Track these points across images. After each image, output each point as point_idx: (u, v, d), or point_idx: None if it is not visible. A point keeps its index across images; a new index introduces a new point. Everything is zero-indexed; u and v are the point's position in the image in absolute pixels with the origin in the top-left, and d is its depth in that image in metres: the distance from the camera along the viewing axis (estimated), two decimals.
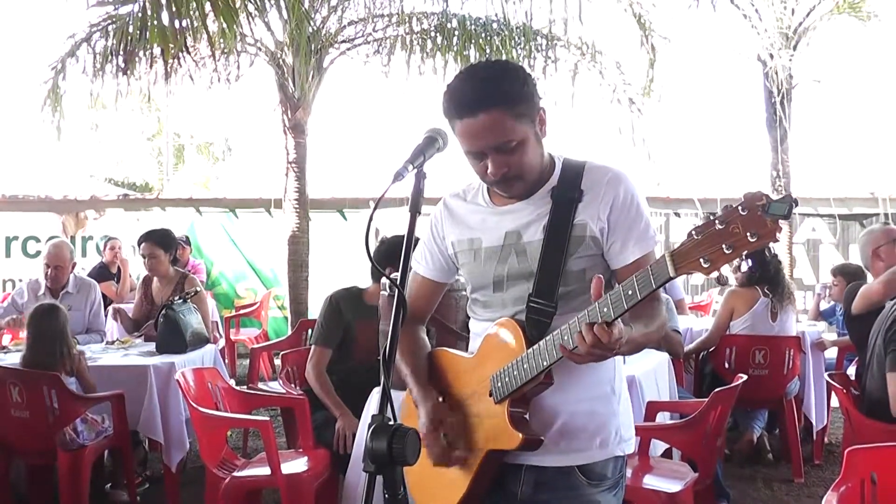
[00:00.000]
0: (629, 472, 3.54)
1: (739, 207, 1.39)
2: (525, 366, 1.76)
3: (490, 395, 1.84)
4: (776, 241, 1.39)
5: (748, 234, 1.38)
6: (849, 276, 5.64)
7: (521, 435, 1.78)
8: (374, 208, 1.68)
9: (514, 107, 1.77)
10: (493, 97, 1.76)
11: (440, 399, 1.95)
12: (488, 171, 1.82)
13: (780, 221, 1.36)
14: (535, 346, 1.74)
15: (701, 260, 1.43)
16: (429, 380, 1.99)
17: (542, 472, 1.88)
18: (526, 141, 1.80)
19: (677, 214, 10.59)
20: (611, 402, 1.93)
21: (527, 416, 1.83)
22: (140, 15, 6.29)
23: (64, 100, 7.58)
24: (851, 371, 4.78)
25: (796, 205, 1.38)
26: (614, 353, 1.65)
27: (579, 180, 1.88)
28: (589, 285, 1.82)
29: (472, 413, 1.89)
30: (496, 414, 1.83)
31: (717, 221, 1.41)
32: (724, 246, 1.40)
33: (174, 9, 5.79)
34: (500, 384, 1.81)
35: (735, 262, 1.42)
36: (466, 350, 2.04)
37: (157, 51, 6.64)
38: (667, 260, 1.48)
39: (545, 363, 1.72)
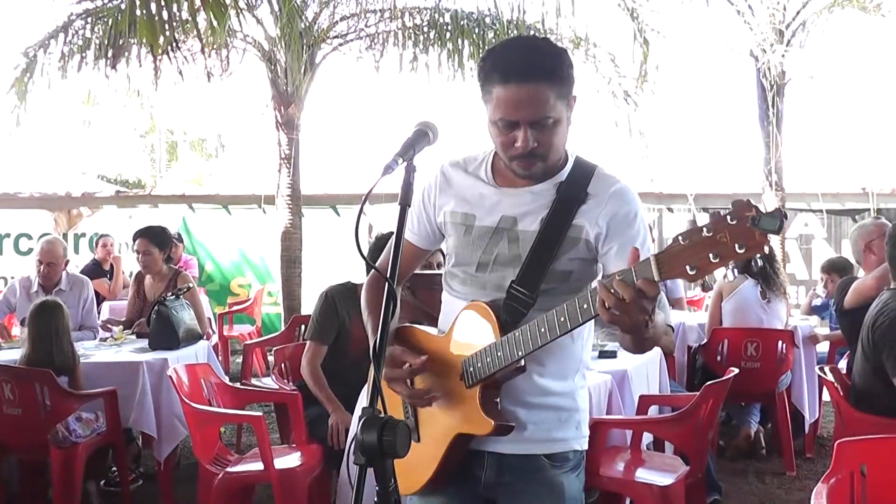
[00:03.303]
0: (621, 466, 3.57)
1: (728, 216, 1.38)
2: (499, 353, 1.75)
3: (461, 379, 1.84)
4: (763, 253, 1.39)
5: (736, 244, 1.37)
6: (840, 270, 5.68)
7: (492, 421, 1.79)
8: (363, 202, 1.64)
9: (559, 85, 1.76)
10: (545, 70, 1.74)
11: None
12: (517, 142, 1.77)
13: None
14: (511, 335, 1.74)
15: (687, 267, 1.42)
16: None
17: (504, 456, 1.90)
18: (560, 121, 1.79)
19: (670, 210, 10.61)
20: (575, 396, 1.95)
21: (498, 402, 1.83)
22: (127, 8, 6.27)
23: (34, 89, 7.51)
24: (843, 365, 4.79)
25: (786, 218, 1.38)
26: (647, 317, 1.54)
27: (587, 182, 1.87)
28: (571, 287, 1.86)
29: (441, 395, 1.88)
30: (467, 398, 1.83)
31: (704, 228, 1.40)
32: (710, 255, 1.39)
33: (162, 3, 5.77)
34: (472, 369, 1.81)
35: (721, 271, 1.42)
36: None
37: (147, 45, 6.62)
38: (651, 263, 1.47)
39: (520, 353, 1.72)
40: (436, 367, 1.89)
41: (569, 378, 1.93)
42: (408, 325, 2.05)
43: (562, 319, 1.65)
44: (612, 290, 1.51)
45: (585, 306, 1.60)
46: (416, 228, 2.03)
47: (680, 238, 1.43)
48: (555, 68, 1.76)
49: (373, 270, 2.07)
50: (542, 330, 1.67)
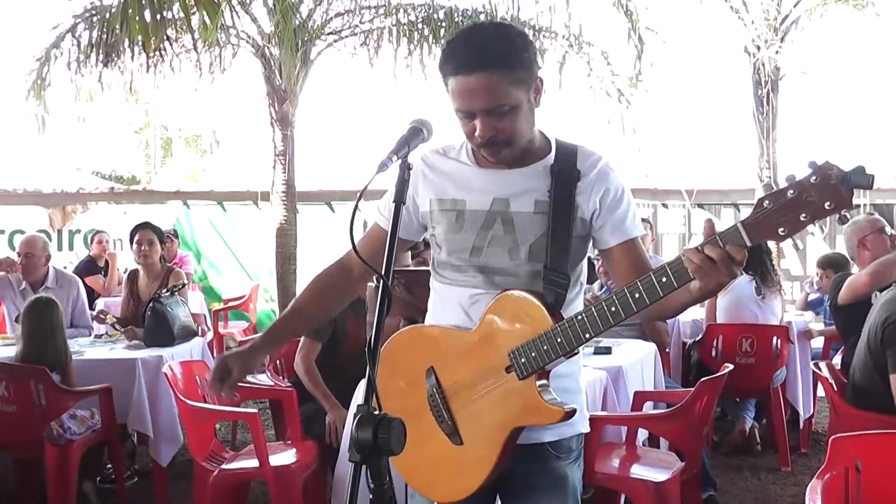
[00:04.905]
0: (616, 462, 3.57)
1: (812, 178, 1.44)
2: (559, 339, 1.70)
3: (508, 371, 1.78)
4: (851, 208, 1.44)
5: (825, 203, 1.43)
6: (836, 266, 5.69)
7: (562, 409, 1.75)
8: (358, 199, 1.62)
9: (511, 72, 1.74)
10: (493, 59, 1.73)
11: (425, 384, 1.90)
12: (476, 132, 1.78)
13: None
14: (574, 319, 1.69)
15: (779, 229, 1.48)
16: (419, 357, 1.93)
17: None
18: (518, 107, 1.77)
19: (665, 206, 10.62)
20: (578, 379, 1.97)
21: (551, 389, 1.79)
22: (121, 6, 6.25)
23: (49, 92, 7.53)
24: (837, 360, 4.81)
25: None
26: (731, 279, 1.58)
27: (574, 161, 1.88)
28: (574, 266, 1.89)
29: (486, 391, 1.81)
30: (521, 390, 1.76)
31: (788, 191, 1.46)
32: (801, 214, 1.45)
33: (155, 1, 5.75)
34: (524, 360, 1.74)
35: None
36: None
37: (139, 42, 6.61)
38: (740, 229, 1.51)
39: (587, 336, 1.69)
40: (474, 365, 1.83)
41: (573, 361, 1.88)
42: (421, 325, 2.03)
43: (636, 296, 1.61)
44: (704, 253, 1.54)
45: (665, 280, 1.58)
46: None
47: (765, 202, 1.48)
48: (504, 55, 1.74)
49: (344, 255, 2.08)
50: (613, 309, 1.64)
